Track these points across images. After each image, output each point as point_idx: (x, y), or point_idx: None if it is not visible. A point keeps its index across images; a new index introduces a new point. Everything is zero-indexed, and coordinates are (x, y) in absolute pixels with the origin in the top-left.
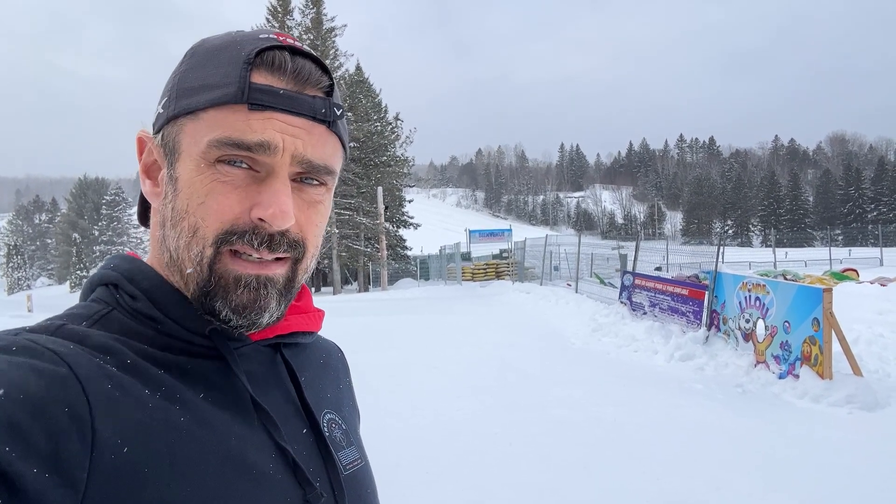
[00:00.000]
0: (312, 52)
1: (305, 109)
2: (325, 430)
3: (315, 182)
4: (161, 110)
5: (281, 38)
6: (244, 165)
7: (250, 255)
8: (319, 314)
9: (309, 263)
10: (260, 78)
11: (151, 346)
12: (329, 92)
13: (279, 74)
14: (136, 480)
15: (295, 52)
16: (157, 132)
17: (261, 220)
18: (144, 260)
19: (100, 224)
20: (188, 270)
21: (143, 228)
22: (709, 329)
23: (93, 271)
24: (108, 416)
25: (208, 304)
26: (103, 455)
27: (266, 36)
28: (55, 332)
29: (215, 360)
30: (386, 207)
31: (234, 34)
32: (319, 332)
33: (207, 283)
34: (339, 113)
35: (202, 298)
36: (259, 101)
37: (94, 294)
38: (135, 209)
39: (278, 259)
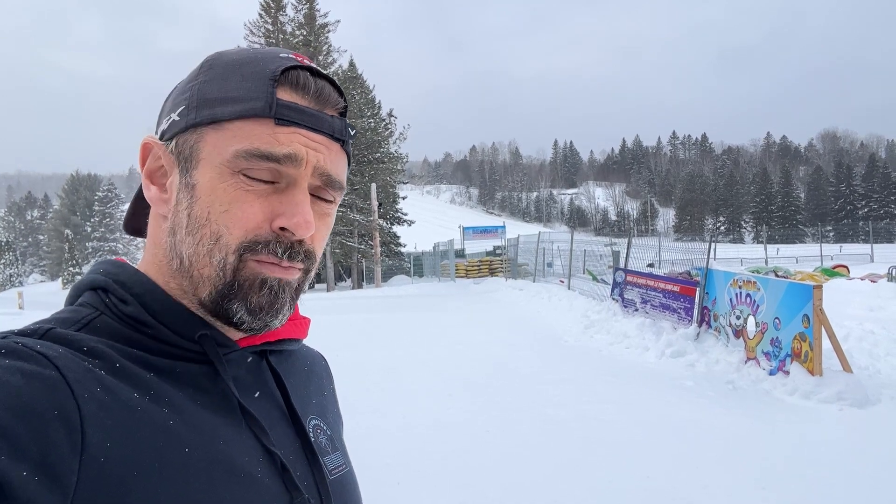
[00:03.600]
0: (329, 75)
1: (326, 127)
2: (311, 435)
3: (326, 196)
4: (177, 118)
5: (299, 59)
6: (267, 177)
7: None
8: (305, 322)
9: (313, 273)
10: (285, 95)
11: (140, 351)
12: (343, 113)
13: (303, 93)
14: (124, 483)
15: (315, 73)
16: (169, 139)
17: (282, 229)
18: (134, 265)
19: (92, 220)
20: (207, 273)
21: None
22: (700, 326)
23: (82, 274)
24: (97, 419)
25: (224, 305)
26: (92, 458)
27: (286, 55)
28: (44, 335)
29: (204, 365)
30: (380, 204)
31: (253, 50)
32: (305, 340)
33: (230, 288)
34: (352, 133)
35: (217, 300)
36: (286, 116)
37: (81, 298)
38: (128, 206)
39: (293, 267)
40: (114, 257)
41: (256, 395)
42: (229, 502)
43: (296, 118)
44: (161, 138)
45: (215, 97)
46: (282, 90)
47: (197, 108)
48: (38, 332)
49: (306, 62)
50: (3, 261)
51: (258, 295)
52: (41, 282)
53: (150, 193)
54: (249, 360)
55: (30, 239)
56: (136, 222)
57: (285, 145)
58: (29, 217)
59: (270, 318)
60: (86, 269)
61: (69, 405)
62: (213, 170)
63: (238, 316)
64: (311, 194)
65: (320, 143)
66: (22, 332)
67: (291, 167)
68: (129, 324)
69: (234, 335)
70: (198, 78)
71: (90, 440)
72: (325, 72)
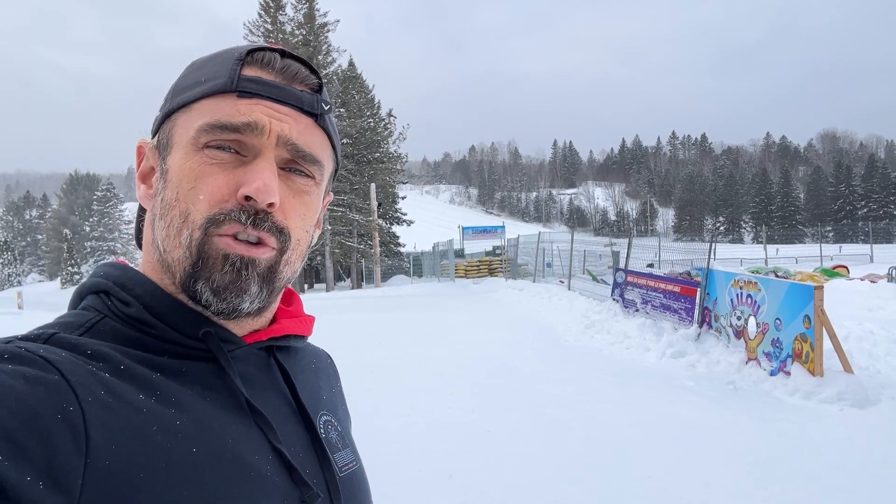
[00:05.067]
0: (303, 57)
1: (292, 99)
2: (322, 431)
3: (302, 172)
4: (158, 113)
5: (274, 47)
6: (232, 150)
7: (237, 234)
8: (310, 319)
9: (293, 257)
10: (250, 72)
11: (145, 352)
12: (317, 90)
13: (268, 69)
14: (131, 485)
15: (285, 54)
16: (154, 135)
17: (247, 198)
18: (135, 268)
19: (91, 220)
20: (176, 256)
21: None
22: (700, 326)
23: (81, 273)
24: (102, 422)
25: (191, 287)
26: (98, 461)
27: (264, 45)
28: (47, 340)
29: (210, 363)
30: (379, 204)
31: (233, 46)
32: (310, 339)
33: (194, 266)
34: (326, 108)
35: (186, 282)
36: (247, 88)
37: (84, 302)
38: (127, 206)
39: (262, 245)
40: (115, 259)
41: (265, 391)
42: (239, 500)
43: (258, 90)
44: (151, 136)
45: (187, 84)
46: (247, 68)
47: (172, 98)
48: (42, 337)
49: (279, 47)
50: (1, 260)
51: (220, 272)
52: (40, 281)
53: (140, 192)
54: (256, 356)
55: (28, 238)
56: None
57: (246, 114)
58: (27, 216)
59: (235, 298)
60: (84, 268)
61: (73, 409)
62: (180, 150)
63: (204, 297)
64: (284, 168)
65: (286, 115)
66: (25, 338)
67: (253, 136)
68: (133, 325)
69: (239, 331)
70: (180, 75)
71: (95, 443)
72: (297, 55)
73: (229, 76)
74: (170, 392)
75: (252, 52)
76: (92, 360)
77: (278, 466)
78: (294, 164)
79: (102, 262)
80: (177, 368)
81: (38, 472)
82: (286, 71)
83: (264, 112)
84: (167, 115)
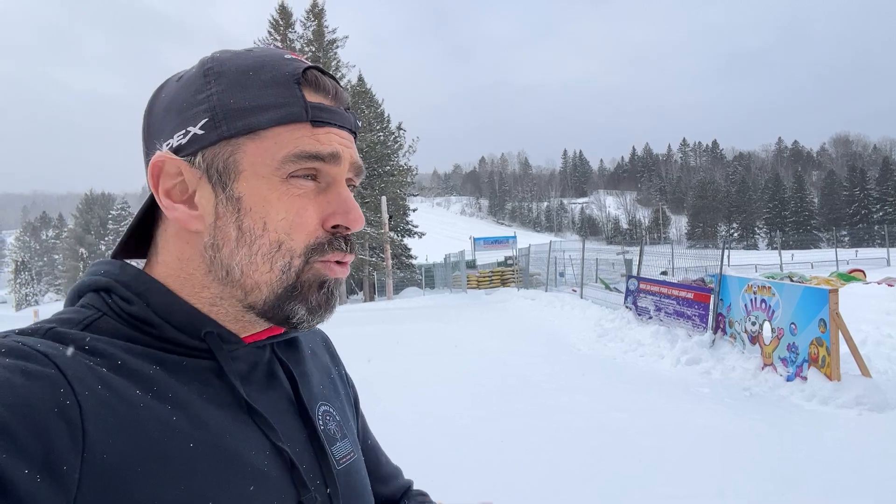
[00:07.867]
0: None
1: (348, 124)
2: (320, 423)
3: (353, 186)
4: (199, 132)
5: (298, 58)
6: (311, 178)
7: (339, 261)
8: None
9: None
10: (311, 97)
11: (144, 349)
12: (349, 107)
13: (323, 94)
14: (128, 480)
15: (324, 72)
16: (191, 154)
17: (335, 227)
18: (135, 265)
19: (106, 239)
20: (266, 280)
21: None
22: (715, 332)
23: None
24: (99, 416)
25: (283, 307)
26: (94, 455)
27: (288, 56)
28: (45, 334)
29: (210, 361)
30: (390, 217)
31: (252, 54)
32: None
33: (292, 290)
34: (360, 125)
35: (276, 302)
36: (320, 118)
37: (83, 299)
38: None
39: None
40: (110, 257)
41: (265, 388)
42: (236, 497)
43: (328, 118)
44: (178, 153)
45: (245, 106)
46: (307, 92)
47: (226, 119)
48: (40, 331)
49: (307, 60)
50: (19, 280)
51: (317, 295)
52: (56, 300)
53: (177, 213)
54: (256, 354)
55: (45, 258)
56: (134, 245)
57: (327, 145)
58: (44, 237)
59: (327, 314)
60: (80, 277)
61: (70, 403)
62: (260, 180)
63: (298, 316)
64: None
65: (349, 139)
66: (23, 332)
67: (334, 165)
68: (133, 324)
69: (243, 332)
70: (209, 88)
71: (91, 437)
72: (324, 68)
73: (301, 105)
74: (167, 388)
75: (303, 72)
76: (89, 355)
77: (277, 464)
78: (351, 182)
79: (98, 260)
80: (176, 365)
81: (36, 466)
82: (337, 94)
83: (337, 141)
84: (225, 138)
